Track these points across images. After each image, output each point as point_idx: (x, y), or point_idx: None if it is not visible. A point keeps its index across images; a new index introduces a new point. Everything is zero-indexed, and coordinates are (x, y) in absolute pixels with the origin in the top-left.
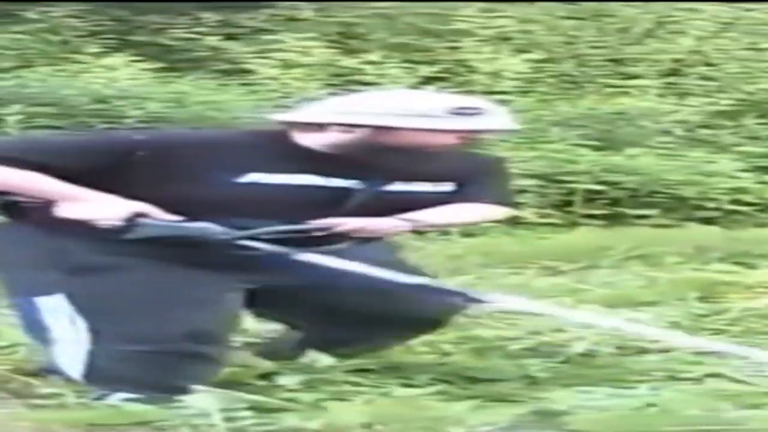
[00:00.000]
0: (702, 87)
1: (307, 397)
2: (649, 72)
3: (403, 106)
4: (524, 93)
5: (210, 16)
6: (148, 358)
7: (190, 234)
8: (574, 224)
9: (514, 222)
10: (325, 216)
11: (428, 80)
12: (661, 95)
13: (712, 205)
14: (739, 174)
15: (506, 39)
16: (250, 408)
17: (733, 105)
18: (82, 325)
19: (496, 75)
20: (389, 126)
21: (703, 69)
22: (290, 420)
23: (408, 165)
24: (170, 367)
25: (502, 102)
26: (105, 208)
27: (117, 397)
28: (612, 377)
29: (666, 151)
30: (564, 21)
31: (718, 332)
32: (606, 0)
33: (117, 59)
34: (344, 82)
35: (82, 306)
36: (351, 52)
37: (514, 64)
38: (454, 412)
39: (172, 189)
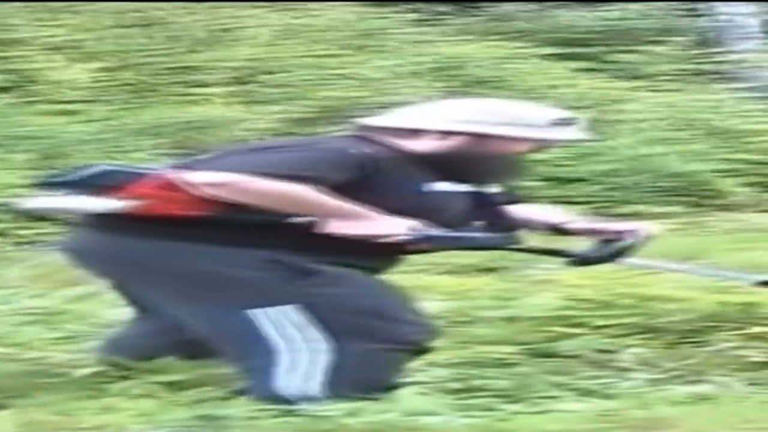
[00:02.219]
0: (269, 95)
1: None
2: (215, 80)
3: (507, 116)
4: (92, 102)
5: None
6: (390, 358)
7: (469, 243)
8: None
9: None
10: (467, 221)
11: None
12: (229, 103)
13: None
14: None
15: (58, 48)
16: None
17: (305, 112)
18: (315, 334)
19: (60, 84)
20: (489, 134)
21: (267, 77)
22: None
23: (496, 171)
24: (400, 366)
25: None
26: (386, 225)
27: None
28: None
29: None
30: (122, 29)
31: None
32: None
33: None
34: None
35: (321, 312)
36: None
37: (79, 73)
38: (111, 421)
39: (387, 200)
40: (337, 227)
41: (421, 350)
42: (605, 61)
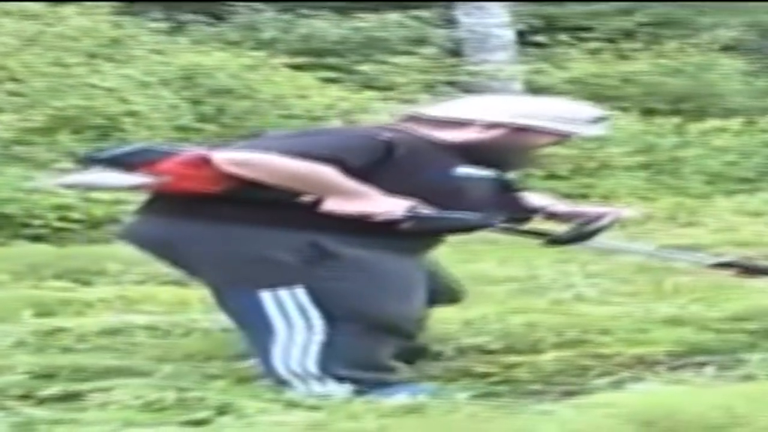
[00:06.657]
0: (11, 103)
1: None
2: None
3: (550, 112)
4: None
5: None
6: (383, 340)
7: (457, 224)
8: None
9: None
10: (487, 206)
11: None
12: None
13: (38, 222)
14: (61, 191)
15: None
16: None
17: (46, 121)
18: (314, 314)
19: None
20: (531, 127)
21: (9, 85)
22: None
23: (521, 160)
24: (396, 347)
25: None
26: (384, 204)
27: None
28: None
29: None
30: None
31: (67, 350)
32: None
33: None
34: None
35: (325, 295)
36: None
37: None
38: None
39: (411, 183)
40: (336, 205)
41: (408, 339)
42: (355, 72)
